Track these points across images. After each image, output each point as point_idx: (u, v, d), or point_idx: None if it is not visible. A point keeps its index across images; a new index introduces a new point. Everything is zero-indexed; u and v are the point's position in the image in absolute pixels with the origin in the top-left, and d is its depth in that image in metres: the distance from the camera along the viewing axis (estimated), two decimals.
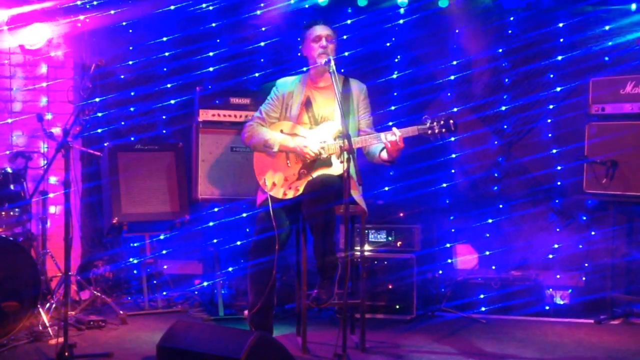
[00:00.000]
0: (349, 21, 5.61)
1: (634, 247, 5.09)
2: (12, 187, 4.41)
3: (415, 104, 5.62)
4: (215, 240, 5.28)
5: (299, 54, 4.65)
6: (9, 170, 4.46)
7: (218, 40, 5.74)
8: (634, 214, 5.12)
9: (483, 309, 5.09)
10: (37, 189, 4.45)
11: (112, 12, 5.44)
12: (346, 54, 5.37)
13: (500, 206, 5.62)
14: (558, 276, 5.37)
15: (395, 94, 5.73)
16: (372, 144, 4.12)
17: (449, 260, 5.53)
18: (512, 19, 5.63)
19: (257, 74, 5.72)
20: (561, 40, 5.49)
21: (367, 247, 4.96)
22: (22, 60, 5.43)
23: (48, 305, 4.50)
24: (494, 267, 5.54)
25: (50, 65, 5.48)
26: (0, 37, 5.31)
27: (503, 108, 5.66)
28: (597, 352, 4.23)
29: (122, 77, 5.66)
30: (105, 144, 5.25)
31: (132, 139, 5.55)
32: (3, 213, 4.34)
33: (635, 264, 5.07)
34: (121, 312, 4.77)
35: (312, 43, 4.20)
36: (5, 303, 4.07)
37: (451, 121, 3.90)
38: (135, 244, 5.39)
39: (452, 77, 5.67)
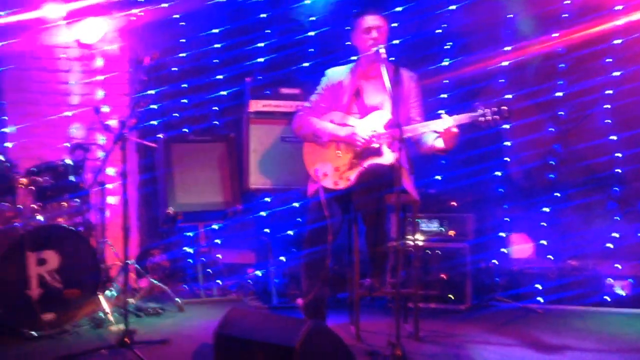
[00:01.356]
0: (399, 8, 5.56)
1: None
2: (72, 178, 4.54)
3: (466, 91, 5.53)
4: (267, 230, 5.32)
5: (348, 43, 4.63)
6: (69, 161, 4.58)
7: (268, 31, 5.77)
8: None
9: (539, 299, 5.00)
10: (95, 180, 4.57)
11: (165, 5, 5.52)
12: (396, 41, 5.32)
13: (557, 194, 5.50)
14: (618, 266, 5.22)
15: (446, 81, 5.66)
16: (424, 133, 4.08)
17: (504, 250, 5.45)
18: (567, 2, 5.48)
19: (306, 64, 5.72)
20: (618, 23, 5.32)
21: (419, 236, 4.93)
22: (79, 54, 5.56)
23: (108, 292, 4.62)
24: (550, 257, 5.43)
25: (106, 59, 5.60)
26: (58, 32, 5.44)
27: (558, 94, 5.53)
28: None
29: (174, 69, 5.74)
30: (160, 136, 5.33)
31: (185, 130, 5.63)
32: (64, 203, 4.47)
33: None
34: (178, 299, 4.86)
35: (363, 34, 4.17)
36: (68, 290, 4.20)
37: (504, 108, 3.83)
38: (189, 234, 5.48)
39: (505, 63, 5.56)
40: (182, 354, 3.86)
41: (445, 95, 5.57)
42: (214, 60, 5.81)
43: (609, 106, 5.42)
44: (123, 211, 3.92)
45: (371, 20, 4.16)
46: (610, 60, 5.39)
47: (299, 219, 5.32)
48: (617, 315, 4.78)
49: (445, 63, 5.65)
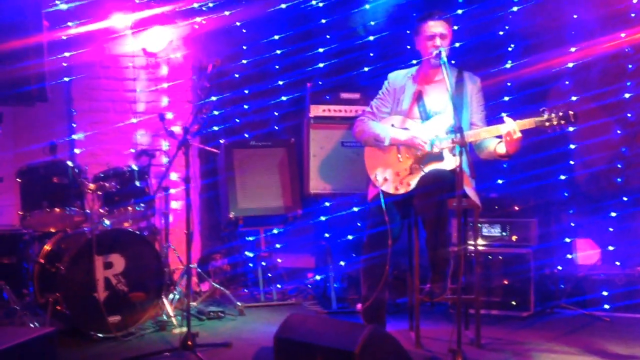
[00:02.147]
0: (459, 11, 5.50)
1: None
2: (137, 183, 4.65)
3: (530, 94, 5.43)
4: (327, 235, 5.34)
5: (408, 47, 4.61)
6: (135, 167, 4.70)
7: (328, 37, 5.80)
8: None
9: (606, 306, 4.85)
10: (160, 185, 4.68)
11: (227, 13, 5.62)
12: (457, 44, 5.26)
13: (625, 199, 5.32)
14: None
15: (509, 84, 5.56)
16: (485, 138, 4.02)
17: (569, 256, 5.30)
18: (635, 1, 5.31)
19: (366, 69, 5.72)
20: None
21: (480, 241, 4.85)
22: (145, 62, 5.72)
23: (171, 296, 4.72)
24: (618, 263, 5.26)
25: (171, 67, 5.74)
26: (124, 41, 5.62)
27: (626, 95, 5.35)
28: None
29: (236, 75, 5.84)
30: (221, 141, 5.43)
31: (246, 135, 5.71)
32: (129, 208, 4.59)
33: None
34: (239, 303, 4.93)
35: (426, 41, 4.13)
36: (133, 293, 4.32)
37: (570, 112, 3.73)
38: (250, 238, 5.55)
39: (570, 65, 5.42)
40: (243, 356, 3.91)
41: (508, 98, 5.48)
42: (275, 67, 5.88)
43: None
44: (186, 216, 4.00)
45: (434, 26, 4.11)
46: None
47: (358, 224, 5.32)
48: None
49: (508, 65, 5.55)
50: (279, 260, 5.55)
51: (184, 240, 4.04)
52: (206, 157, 5.73)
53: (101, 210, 4.47)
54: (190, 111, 5.67)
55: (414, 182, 4.08)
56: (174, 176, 5.42)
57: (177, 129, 5.22)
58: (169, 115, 5.57)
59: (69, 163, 4.50)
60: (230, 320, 4.75)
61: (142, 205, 4.64)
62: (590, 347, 4.09)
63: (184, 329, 3.93)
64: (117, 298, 4.27)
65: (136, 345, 4.13)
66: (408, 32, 4.37)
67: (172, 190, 5.17)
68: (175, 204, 5.50)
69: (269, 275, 5.41)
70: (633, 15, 5.33)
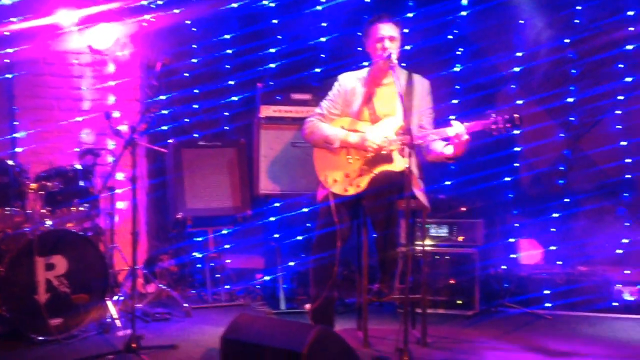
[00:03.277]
0: (410, 14, 5.56)
1: None
2: (81, 183, 4.55)
3: (478, 97, 5.52)
4: (276, 235, 5.33)
5: (359, 49, 4.64)
6: (79, 166, 4.60)
7: (279, 37, 5.79)
8: None
9: (548, 304, 4.98)
10: (105, 185, 4.58)
11: (176, 11, 5.55)
12: (407, 47, 5.32)
13: (566, 200, 5.47)
14: (627, 271, 5.19)
15: (457, 87, 5.65)
16: (434, 140, 4.07)
17: (513, 255, 5.42)
18: (579, 8, 5.46)
19: (318, 70, 5.73)
20: (631, 29, 5.30)
21: (428, 241, 4.92)
22: (91, 60, 5.60)
23: (116, 297, 4.63)
24: (559, 263, 5.41)
25: (118, 65, 5.64)
26: (70, 38, 5.49)
27: (570, 100, 5.50)
28: None
29: (186, 74, 5.77)
30: (170, 141, 5.36)
31: (196, 135, 5.65)
32: (73, 208, 4.48)
33: None
34: (186, 305, 4.88)
35: (375, 43, 4.15)
36: (76, 295, 4.22)
37: (516, 115, 3.80)
38: (199, 239, 5.50)
39: (517, 69, 5.54)
40: (189, 358, 3.87)
41: (456, 101, 5.56)
42: (226, 66, 5.83)
43: (620, 112, 5.39)
44: (132, 216, 3.93)
45: (384, 29, 4.14)
46: (622, 66, 5.36)
47: (308, 224, 5.32)
48: (625, 321, 4.75)
49: (457, 69, 5.64)
50: (227, 260, 5.51)
51: (129, 241, 3.98)
52: (154, 157, 5.65)
53: (43, 210, 4.37)
54: (137, 110, 5.58)
55: (363, 183, 4.11)
56: (120, 176, 5.32)
57: (123, 128, 5.11)
58: (116, 114, 5.44)
59: (10, 162, 4.38)
60: (177, 322, 4.68)
61: (86, 205, 4.54)
62: (533, 344, 4.19)
63: (129, 331, 3.86)
64: (59, 300, 4.16)
65: (79, 348, 4.04)
66: (359, 34, 4.38)
67: (118, 190, 5.06)
68: (121, 204, 5.40)
69: (217, 276, 5.37)
70: (577, 21, 5.48)
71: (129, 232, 3.99)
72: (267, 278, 5.48)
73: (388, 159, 4.11)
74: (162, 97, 5.49)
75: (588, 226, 5.41)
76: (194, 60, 5.77)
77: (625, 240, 5.25)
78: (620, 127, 5.39)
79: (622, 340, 4.31)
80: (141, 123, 4.10)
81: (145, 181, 5.53)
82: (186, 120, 5.77)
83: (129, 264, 4.69)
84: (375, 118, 4.22)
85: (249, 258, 5.81)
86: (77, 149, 5.22)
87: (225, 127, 5.83)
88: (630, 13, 5.28)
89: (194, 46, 5.79)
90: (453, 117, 4.09)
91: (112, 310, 4.41)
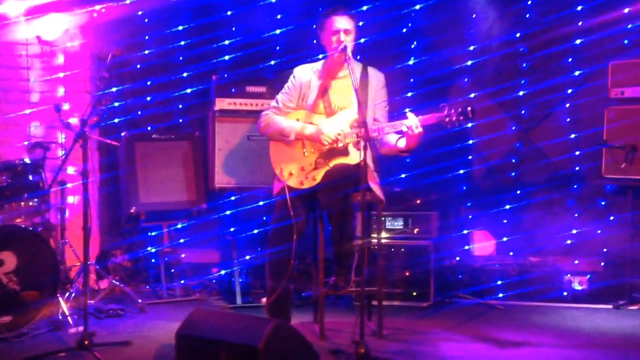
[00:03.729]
0: (364, 7, 5.57)
1: None
2: (30, 177, 4.43)
3: (432, 90, 5.58)
4: (232, 229, 5.29)
5: (314, 42, 4.63)
6: (28, 160, 4.48)
7: (234, 29, 5.74)
8: None
9: (500, 295, 5.08)
10: (55, 179, 4.49)
11: (128, 1, 5.45)
12: (362, 40, 5.33)
13: (518, 192, 5.58)
14: (576, 262, 5.33)
15: (411, 80, 5.69)
16: (389, 133, 4.09)
17: (466, 247, 5.51)
18: (529, 2, 5.56)
19: (273, 62, 5.70)
20: (580, 23, 5.42)
21: (384, 234, 4.96)
22: (39, 51, 5.45)
23: (67, 294, 4.55)
24: (511, 254, 5.52)
25: (67, 56, 5.51)
26: (17, 29, 5.33)
27: (521, 93, 5.61)
28: (615, 338, 4.21)
29: (138, 66, 5.68)
30: (122, 134, 5.27)
31: (149, 128, 5.57)
32: (22, 203, 4.37)
33: None
34: (139, 300, 4.81)
35: (331, 36, 4.14)
36: (26, 292, 4.12)
37: (469, 108, 3.84)
38: (153, 233, 5.43)
39: (469, 63, 5.62)
40: (143, 355, 3.82)
41: (410, 94, 5.60)
42: (179, 58, 5.75)
43: (569, 105, 5.52)
44: (83, 211, 3.86)
45: (339, 21, 4.13)
46: (571, 60, 5.49)
47: (264, 218, 5.30)
48: (575, 310, 4.87)
49: (411, 62, 5.68)
50: (182, 255, 5.45)
51: (81, 236, 3.90)
52: (106, 150, 5.54)
53: None
54: (88, 102, 5.45)
55: (319, 176, 4.11)
56: (70, 170, 5.20)
57: (74, 121, 5.01)
58: (66, 106, 5.33)
59: None
60: (131, 318, 4.62)
61: (35, 200, 4.42)
62: (486, 334, 4.27)
63: (81, 328, 3.79)
64: (7, 297, 4.05)
65: (29, 346, 3.95)
66: (314, 26, 4.37)
67: (68, 185, 4.97)
68: (72, 199, 5.29)
69: (172, 270, 5.31)
70: (527, 16, 5.58)
71: (80, 227, 3.93)
72: (222, 272, 5.45)
73: (343, 152, 4.12)
74: (114, 89, 5.39)
75: (539, 217, 5.53)
76: (147, 52, 5.67)
77: (574, 231, 5.39)
78: (569, 120, 5.52)
79: (571, 328, 4.42)
80: (92, 116, 4.01)
81: (97, 175, 5.41)
82: (139, 112, 5.67)
83: (81, 259, 4.61)
84: (330, 111, 4.22)
85: (205, 252, 5.77)
86: (26, 143, 5.11)
87: (179, 120, 5.76)
88: (579, 8, 5.39)
89: (146, 37, 5.69)
90: (408, 110, 4.12)
91: (64, 307, 4.33)
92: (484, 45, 5.64)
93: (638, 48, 5.16)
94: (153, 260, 5.49)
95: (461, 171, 5.59)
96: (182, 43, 5.70)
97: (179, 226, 5.39)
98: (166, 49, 5.70)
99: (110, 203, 5.66)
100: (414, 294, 4.94)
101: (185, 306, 4.74)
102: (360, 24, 5.33)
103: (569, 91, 5.49)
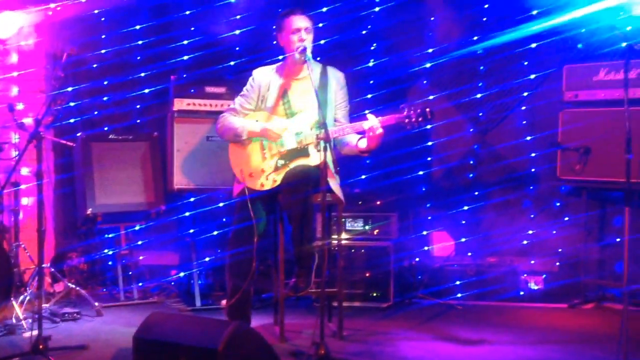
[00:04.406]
0: (324, 9, 5.58)
1: (606, 233, 5.17)
2: None
3: (391, 92, 5.61)
4: (191, 231, 5.24)
5: (274, 42, 4.61)
6: None
7: (192, 28, 5.68)
8: (606, 199, 5.19)
9: (459, 295, 5.14)
10: (8, 180, 4.39)
11: (83, 0, 5.35)
12: (322, 41, 5.34)
13: (476, 193, 5.65)
14: (532, 262, 5.43)
15: (371, 82, 5.72)
16: (349, 133, 4.11)
17: (426, 248, 5.56)
18: (486, 6, 5.64)
19: (232, 63, 5.67)
20: (535, 27, 5.51)
21: (344, 235, 4.96)
22: None
23: (22, 297, 4.45)
24: (470, 254, 5.59)
25: (21, 55, 5.38)
26: None
27: (478, 95, 5.68)
28: (570, 336, 4.29)
29: (94, 66, 5.59)
30: (78, 134, 5.18)
31: (106, 129, 5.48)
32: None
33: (607, 249, 5.14)
34: (96, 303, 4.74)
35: (290, 35, 4.14)
36: None
37: (428, 109, 3.88)
38: (110, 235, 5.34)
39: (428, 65, 5.67)
40: (100, 359, 3.76)
41: (370, 96, 5.63)
42: (137, 57, 5.68)
43: (524, 108, 5.62)
44: (38, 213, 3.78)
45: (298, 21, 4.13)
46: (527, 63, 5.58)
47: (224, 219, 5.27)
48: (531, 309, 4.96)
49: (371, 64, 5.71)
50: (140, 257, 5.38)
51: (35, 239, 3.82)
52: (61, 151, 5.44)
53: None
54: (43, 102, 5.33)
55: (279, 178, 4.10)
56: (24, 171, 5.08)
57: (28, 121, 4.89)
58: (20, 106, 5.21)
59: None
60: (87, 322, 4.54)
61: None
62: (445, 333, 4.32)
63: (35, 332, 3.71)
64: None
65: None
66: (274, 27, 4.36)
67: (22, 186, 4.86)
68: (26, 200, 5.16)
69: (130, 273, 5.23)
70: (485, 19, 5.66)
71: (34, 229, 3.84)
72: (181, 274, 5.40)
73: (304, 153, 4.12)
74: (69, 89, 5.30)
75: (496, 218, 5.61)
76: (103, 51, 5.58)
77: (530, 232, 5.49)
78: (525, 122, 5.61)
79: (527, 327, 4.50)
80: (47, 116, 3.93)
81: (52, 176, 5.32)
82: (95, 113, 5.58)
83: (35, 262, 4.50)
84: (290, 113, 4.22)
85: (163, 254, 5.70)
86: None
87: (137, 121, 5.68)
88: (535, 12, 5.48)
89: (103, 36, 5.60)
90: (368, 111, 4.14)
91: (18, 311, 4.24)
92: (443, 48, 5.70)
93: (592, 52, 5.28)
94: (110, 263, 5.41)
95: (420, 172, 5.64)
96: (140, 42, 5.62)
97: (137, 228, 5.31)
98: (123, 48, 5.61)
99: (65, 205, 5.56)
100: (374, 294, 4.96)
101: (144, 309, 4.67)
102: (320, 25, 5.36)
103: (525, 94, 5.58)
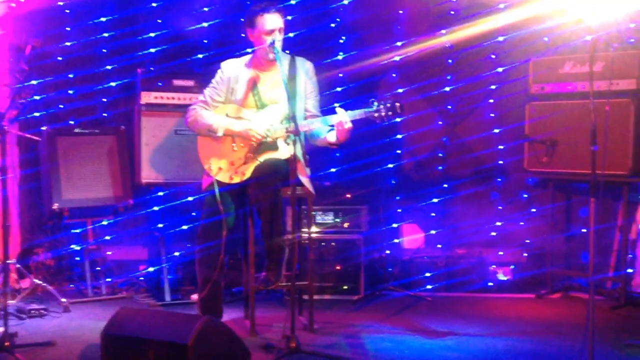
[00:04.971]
0: (293, 1, 5.56)
1: (573, 223, 5.25)
2: None
3: (360, 85, 5.62)
4: (160, 225, 5.20)
5: (243, 35, 4.58)
6: None
7: (159, 21, 5.62)
8: (572, 191, 5.27)
9: (429, 287, 5.18)
10: None
11: None
12: (291, 34, 5.32)
13: (445, 185, 5.69)
14: (501, 253, 5.49)
15: (340, 75, 5.72)
16: (318, 128, 4.10)
17: (396, 240, 5.59)
18: (454, 0, 5.68)
19: (200, 56, 5.62)
20: (503, 20, 5.56)
21: (314, 228, 4.96)
22: None
23: None
24: (439, 246, 5.63)
25: None
26: None
27: (447, 89, 5.72)
28: (538, 325, 4.36)
29: (59, 58, 5.49)
30: (44, 128, 5.09)
31: (72, 122, 5.40)
32: None
33: (573, 239, 5.23)
34: (63, 300, 4.67)
35: (264, 35, 4.08)
36: None
37: (397, 103, 3.90)
38: (77, 230, 5.27)
39: (397, 58, 5.69)
40: (68, 356, 3.71)
41: (340, 89, 5.63)
42: (103, 50, 5.59)
43: (492, 101, 5.67)
44: (2, 208, 3.72)
45: (272, 21, 4.07)
46: (494, 56, 5.63)
47: (193, 213, 5.23)
48: (499, 300, 5.02)
49: (340, 57, 5.71)
50: (108, 252, 5.32)
51: (0, 235, 3.74)
52: (26, 145, 5.34)
53: None
54: (7, 95, 5.22)
55: (248, 171, 4.08)
56: None
57: None
58: None
59: None
60: (54, 318, 4.48)
61: None
62: (414, 325, 4.35)
63: (1, 329, 3.65)
64: None
65: None
66: (242, 20, 4.31)
67: None
68: None
69: (98, 269, 5.17)
70: (452, 12, 5.69)
71: None
72: (151, 269, 5.35)
73: (273, 146, 4.11)
74: (34, 82, 5.19)
75: (465, 210, 5.66)
76: (68, 44, 5.49)
77: (499, 223, 5.55)
78: (493, 115, 5.67)
79: (496, 318, 4.55)
80: (11, 109, 3.85)
81: (17, 171, 5.23)
82: (61, 106, 5.49)
83: (0, 258, 4.41)
84: (261, 105, 4.20)
85: (132, 249, 5.65)
86: None
87: (104, 114, 5.60)
88: (502, 6, 5.52)
89: (68, 29, 5.51)
90: (337, 104, 4.14)
91: None
92: (411, 41, 5.71)
93: (558, 45, 5.33)
94: (77, 258, 5.33)
95: (390, 165, 5.66)
96: (106, 35, 5.54)
97: (105, 223, 5.25)
98: (89, 41, 5.53)
99: (31, 200, 5.46)
100: (345, 287, 4.97)
101: (112, 305, 4.62)
102: (289, 18, 5.34)
103: (493, 87, 5.63)
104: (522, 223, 5.49)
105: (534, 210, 5.43)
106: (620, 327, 4.28)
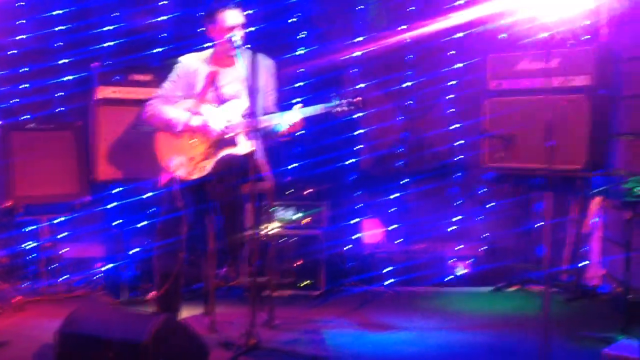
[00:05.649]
0: None
1: (529, 218, 5.34)
2: None
3: (321, 81, 5.62)
4: (118, 222, 5.12)
5: (202, 29, 4.53)
6: None
7: (117, 14, 5.52)
8: (528, 186, 5.36)
9: (389, 281, 5.21)
10: None
11: None
12: (251, 29, 5.28)
13: (405, 180, 5.74)
14: (459, 247, 5.56)
15: (302, 70, 5.71)
16: (277, 123, 4.08)
17: (356, 235, 5.61)
18: None
19: (159, 49, 5.54)
20: (460, 17, 5.61)
21: (274, 224, 4.95)
22: None
23: None
24: (399, 241, 5.67)
25: None
26: None
27: (408, 84, 5.75)
28: (495, 319, 4.43)
29: (13, 52, 5.36)
30: None
31: (27, 117, 5.28)
32: None
33: (529, 234, 5.32)
34: (18, 298, 4.57)
35: (226, 32, 4.04)
36: None
37: (358, 98, 3.91)
38: (32, 227, 5.15)
39: (358, 54, 5.70)
40: (22, 356, 3.64)
41: (301, 84, 5.62)
42: (58, 43, 5.47)
43: (452, 96, 5.73)
44: None
45: (234, 18, 4.03)
46: (453, 52, 5.68)
47: (152, 210, 5.16)
48: (458, 294, 5.08)
49: (301, 52, 5.69)
50: (64, 249, 5.21)
51: None
52: None
53: None
54: None
55: (208, 166, 4.05)
56: None
57: None
58: None
59: None
60: (8, 317, 4.38)
61: None
62: (374, 320, 4.38)
63: None
64: None
65: None
66: (202, 14, 4.26)
67: None
68: None
69: (54, 266, 5.07)
70: (413, 8, 5.72)
71: None
72: (108, 267, 5.26)
73: (232, 142, 4.08)
74: None
75: (424, 205, 5.71)
76: (22, 37, 5.36)
77: (457, 218, 5.61)
78: (452, 110, 5.73)
79: (454, 311, 4.61)
80: None
81: None
82: (15, 101, 5.36)
83: None
84: (220, 100, 4.16)
85: (89, 246, 5.54)
86: None
87: (60, 109, 5.49)
88: (461, 2, 5.56)
89: (22, 21, 5.38)
90: (297, 100, 4.12)
91: None
92: (372, 37, 5.73)
93: (514, 42, 5.41)
94: (32, 256, 5.22)
95: (351, 160, 5.67)
96: (61, 27, 5.42)
97: (61, 219, 5.15)
98: (43, 34, 5.41)
99: None
100: (306, 283, 4.97)
101: (69, 303, 4.55)
102: (250, 12, 5.30)
103: (452, 83, 5.69)
104: (480, 217, 5.56)
105: (492, 204, 5.51)
106: (575, 319, 4.37)
